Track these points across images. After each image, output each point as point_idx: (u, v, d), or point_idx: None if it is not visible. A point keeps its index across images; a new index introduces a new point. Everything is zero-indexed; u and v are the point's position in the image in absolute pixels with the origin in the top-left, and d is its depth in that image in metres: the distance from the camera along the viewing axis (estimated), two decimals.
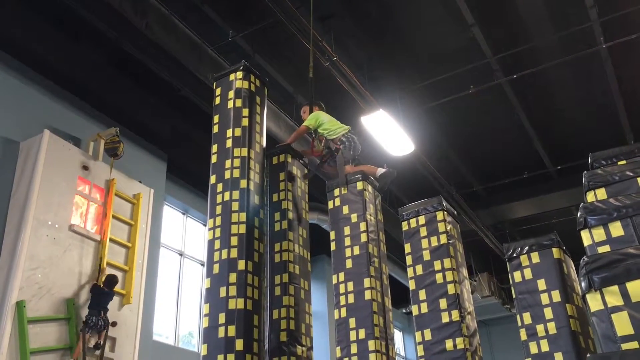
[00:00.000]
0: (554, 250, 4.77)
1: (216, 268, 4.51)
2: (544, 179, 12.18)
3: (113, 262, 7.36)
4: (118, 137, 7.72)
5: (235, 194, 4.71)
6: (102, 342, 6.69)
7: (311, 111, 6.09)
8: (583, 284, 2.70)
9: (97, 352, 6.65)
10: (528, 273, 4.99)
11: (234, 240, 4.53)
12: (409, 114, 9.90)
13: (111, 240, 7.42)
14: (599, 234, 3.13)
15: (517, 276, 5.07)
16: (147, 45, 7.35)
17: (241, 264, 4.47)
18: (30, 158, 7.00)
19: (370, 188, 5.37)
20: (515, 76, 9.38)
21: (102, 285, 6.96)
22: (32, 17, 7.58)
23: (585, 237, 3.08)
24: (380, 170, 5.53)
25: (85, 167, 7.47)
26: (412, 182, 11.84)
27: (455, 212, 5.83)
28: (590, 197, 3.47)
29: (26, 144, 7.16)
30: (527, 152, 11.51)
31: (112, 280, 7.09)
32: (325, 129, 5.71)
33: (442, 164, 11.38)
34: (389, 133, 9.20)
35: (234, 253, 4.50)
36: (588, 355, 2.89)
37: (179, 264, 10.12)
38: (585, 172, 3.66)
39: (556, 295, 4.87)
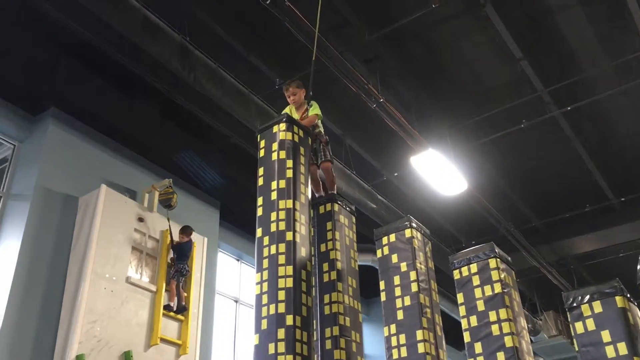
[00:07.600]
0: (618, 298, 4.46)
1: (264, 324, 4.44)
2: (607, 211, 11.63)
3: (169, 312, 7.43)
4: (172, 188, 7.87)
5: (282, 247, 4.65)
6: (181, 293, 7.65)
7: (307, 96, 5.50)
8: None
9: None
10: (591, 324, 4.68)
11: (282, 295, 4.46)
12: (460, 152, 9.70)
13: (166, 290, 7.52)
14: None
15: (579, 327, 4.75)
16: (196, 96, 7.55)
17: (289, 319, 4.37)
18: (89, 212, 7.22)
19: (419, 235, 5.23)
20: (569, 108, 9.10)
21: (180, 238, 7.77)
22: (87, 74, 7.92)
23: None
24: None
25: (141, 219, 7.64)
26: (469, 220, 11.56)
27: (509, 259, 5.58)
28: None
29: (84, 199, 7.40)
30: (587, 185, 11.04)
31: (187, 228, 7.87)
32: (319, 124, 5.41)
33: (498, 201, 11.05)
34: (440, 172, 9.03)
35: (281, 308, 4.42)
36: None
37: (234, 310, 10.14)
38: None
39: (622, 348, 4.51)
